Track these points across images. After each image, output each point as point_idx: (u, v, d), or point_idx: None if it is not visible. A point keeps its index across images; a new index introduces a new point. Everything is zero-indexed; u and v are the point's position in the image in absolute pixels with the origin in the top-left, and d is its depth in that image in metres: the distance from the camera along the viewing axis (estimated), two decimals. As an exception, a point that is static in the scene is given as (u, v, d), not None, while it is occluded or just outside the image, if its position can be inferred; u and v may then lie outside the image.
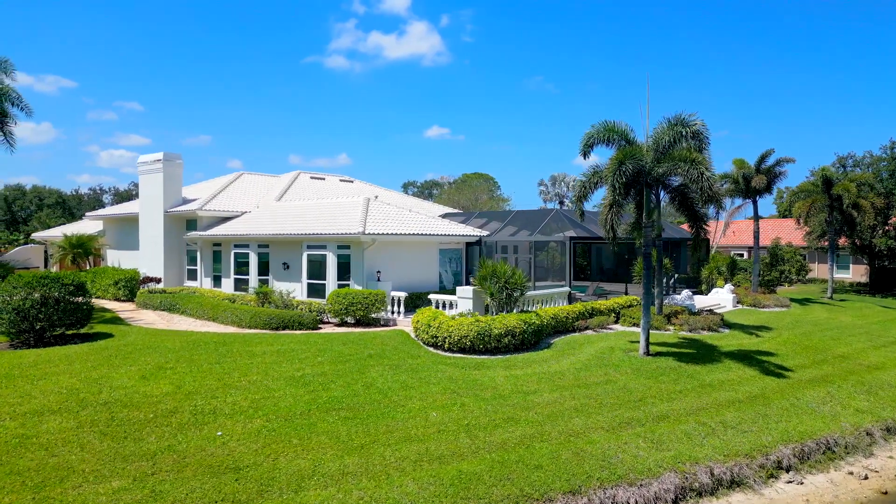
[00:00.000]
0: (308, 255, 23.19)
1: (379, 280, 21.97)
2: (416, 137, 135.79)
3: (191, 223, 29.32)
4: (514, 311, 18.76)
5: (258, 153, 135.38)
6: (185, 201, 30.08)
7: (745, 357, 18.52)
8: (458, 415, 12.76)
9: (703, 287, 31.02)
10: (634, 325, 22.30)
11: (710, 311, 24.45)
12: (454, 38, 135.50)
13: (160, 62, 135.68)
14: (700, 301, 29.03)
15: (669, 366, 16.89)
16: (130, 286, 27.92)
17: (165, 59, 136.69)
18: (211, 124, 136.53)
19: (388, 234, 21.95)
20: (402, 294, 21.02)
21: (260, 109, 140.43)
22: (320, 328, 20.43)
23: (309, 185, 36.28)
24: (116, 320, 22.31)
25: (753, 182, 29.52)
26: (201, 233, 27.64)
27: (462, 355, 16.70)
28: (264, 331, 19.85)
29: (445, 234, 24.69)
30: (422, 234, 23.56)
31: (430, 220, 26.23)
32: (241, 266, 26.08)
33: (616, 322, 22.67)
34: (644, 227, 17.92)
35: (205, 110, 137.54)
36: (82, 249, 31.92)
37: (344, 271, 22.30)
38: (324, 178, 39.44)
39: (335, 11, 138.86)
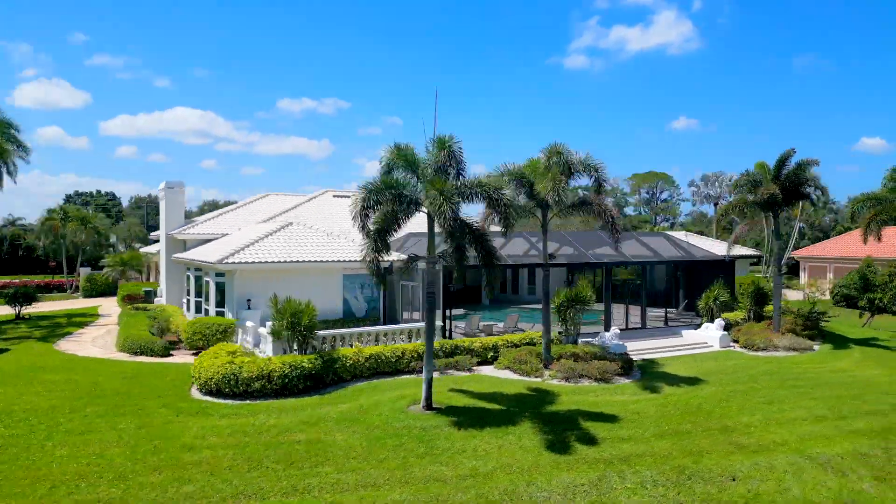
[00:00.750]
0: (206, 280, 23.89)
1: (249, 307, 21.80)
2: (659, 131, 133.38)
3: (187, 244, 31.82)
4: (308, 350, 17.32)
5: (507, 156, 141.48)
6: (186, 224, 32.76)
7: (562, 421, 14.91)
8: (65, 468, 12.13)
9: (704, 320, 25.39)
10: (508, 367, 19.19)
11: (622, 356, 19.92)
12: (707, 21, 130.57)
13: (417, 78, 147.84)
14: (690, 338, 24.00)
15: (426, 425, 14.24)
16: (130, 301, 31.28)
17: (422, 75, 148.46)
18: (462, 133, 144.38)
19: (247, 262, 21.63)
20: (250, 324, 20.51)
21: (506, 114, 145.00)
22: (171, 356, 20.91)
23: (327, 205, 37.04)
24: (55, 336, 25.28)
25: (761, 191, 23.34)
26: (179, 255, 29.85)
27: (212, 399, 15.83)
28: (124, 355, 20.92)
29: (343, 261, 23.69)
30: (304, 262, 22.82)
31: (345, 245, 25.26)
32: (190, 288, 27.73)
33: (489, 363, 19.74)
34: (428, 262, 15.41)
35: (457, 120, 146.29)
36: (126, 266, 36.57)
37: (222, 298, 22.54)
38: (349, 196, 39.93)
39: (578, 8, 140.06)
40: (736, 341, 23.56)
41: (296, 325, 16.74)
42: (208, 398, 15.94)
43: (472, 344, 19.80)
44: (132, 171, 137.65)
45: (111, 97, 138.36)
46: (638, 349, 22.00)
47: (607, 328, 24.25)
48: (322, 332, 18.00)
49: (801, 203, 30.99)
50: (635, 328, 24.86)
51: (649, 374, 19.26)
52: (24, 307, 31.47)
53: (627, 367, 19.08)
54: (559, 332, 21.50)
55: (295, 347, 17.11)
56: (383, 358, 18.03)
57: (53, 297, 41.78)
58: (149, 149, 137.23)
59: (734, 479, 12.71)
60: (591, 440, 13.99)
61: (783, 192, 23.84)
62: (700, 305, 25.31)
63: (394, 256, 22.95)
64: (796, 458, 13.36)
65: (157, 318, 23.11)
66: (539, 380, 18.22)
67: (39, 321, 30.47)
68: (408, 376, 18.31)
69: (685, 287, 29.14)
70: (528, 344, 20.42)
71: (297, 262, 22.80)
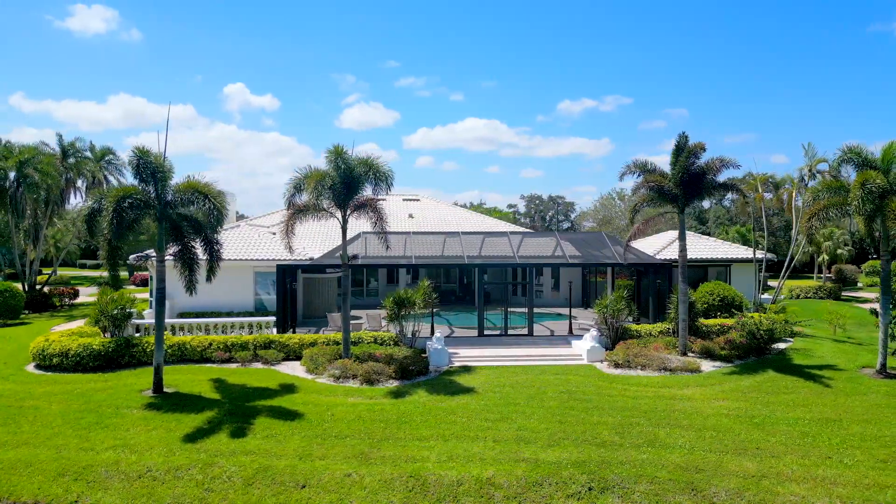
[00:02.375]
0: (150, 275, 28.23)
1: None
2: None
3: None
4: (122, 334, 20.21)
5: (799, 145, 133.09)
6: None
7: (248, 415, 15.71)
8: None
9: (604, 328, 22.48)
10: (304, 365, 19.79)
11: (409, 359, 19.14)
12: None
13: (705, 69, 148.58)
14: (567, 349, 21.90)
15: (128, 405, 16.16)
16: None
17: (709, 65, 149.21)
18: (754, 121, 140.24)
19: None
20: (147, 311, 23.96)
21: (813, 96, 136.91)
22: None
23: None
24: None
25: (641, 183, 20.05)
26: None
27: (30, 370, 19.62)
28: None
29: (254, 259, 26.03)
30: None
31: (271, 245, 27.55)
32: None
33: (294, 359, 20.56)
34: (158, 261, 17.26)
35: (747, 108, 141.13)
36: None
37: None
38: (384, 199, 42.03)
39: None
40: (616, 361, 20.60)
41: (105, 314, 19.79)
42: (29, 368, 19.75)
43: (290, 340, 20.87)
44: (430, 179, 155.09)
45: (414, 114, 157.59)
46: (481, 356, 20.83)
47: (480, 333, 23.24)
48: (139, 321, 20.82)
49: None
50: (518, 335, 23.21)
51: (434, 381, 18.44)
52: (111, 293, 39.92)
53: (412, 370, 18.55)
54: (397, 334, 21.47)
55: (107, 332, 20.18)
56: (188, 347, 20.16)
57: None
58: (443, 158, 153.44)
59: (303, 487, 12.60)
60: (238, 432, 14.65)
61: (682, 185, 20.34)
62: (594, 312, 22.61)
63: (299, 256, 24.93)
64: (398, 477, 12.66)
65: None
66: (312, 377, 18.75)
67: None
68: (210, 364, 20.20)
69: (645, 291, 25.97)
70: (336, 343, 20.71)
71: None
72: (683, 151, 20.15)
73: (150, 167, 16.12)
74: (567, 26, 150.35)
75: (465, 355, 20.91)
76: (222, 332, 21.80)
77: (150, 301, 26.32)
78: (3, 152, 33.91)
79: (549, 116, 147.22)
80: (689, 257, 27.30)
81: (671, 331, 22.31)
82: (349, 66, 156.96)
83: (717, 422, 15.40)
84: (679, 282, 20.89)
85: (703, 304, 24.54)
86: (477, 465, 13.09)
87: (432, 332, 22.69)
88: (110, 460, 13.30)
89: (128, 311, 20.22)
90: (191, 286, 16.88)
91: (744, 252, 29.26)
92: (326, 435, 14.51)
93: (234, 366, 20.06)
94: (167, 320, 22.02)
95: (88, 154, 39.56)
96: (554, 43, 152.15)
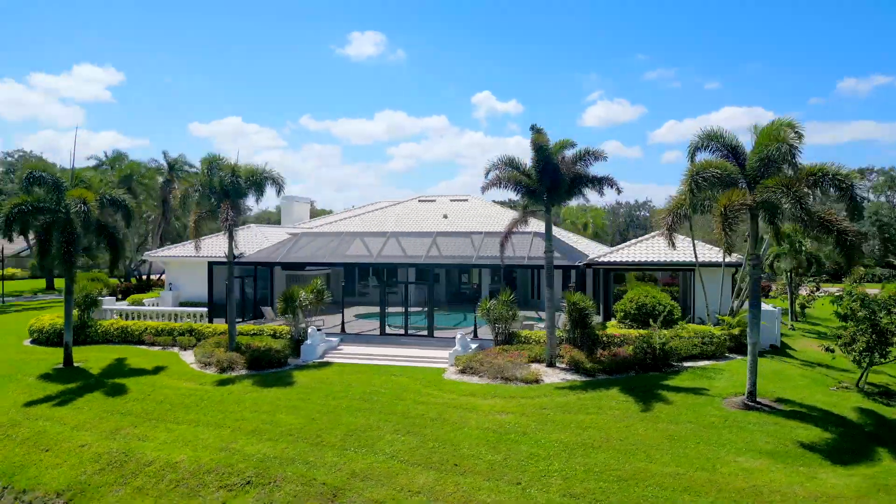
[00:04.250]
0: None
1: (171, 290, 29.89)
2: None
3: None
4: (92, 316, 24.73)
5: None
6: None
7: (91, 388, 18.70)
8: None
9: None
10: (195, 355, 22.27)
11: (264, 350, 20.30)
12: None
13: None
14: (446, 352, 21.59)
15: (32, 374, 20.24)
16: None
17: None
18: None
19: (159, 255, 29.69)
20: (150, 300, 28.50)
21: None
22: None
23: (405, 209, 41.66)
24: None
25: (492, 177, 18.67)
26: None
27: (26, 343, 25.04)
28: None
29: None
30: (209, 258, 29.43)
31: (265, 245, 30.51)
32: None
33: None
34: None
35: None
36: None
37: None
38: (434, 200, 42.92)
39: None
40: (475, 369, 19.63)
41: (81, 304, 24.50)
42: (26, 342, 25.16)
43: (206, 329, 23.62)
44: (675, 175, 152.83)
45: (662, 107, 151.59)
46: (359, 353, 21.57)
47: (382, 332, 23.73)
48: (116, 306, 25.22)
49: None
50: (419, 335, 23.16)
51: (279, 374, 19.58)
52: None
53: (262, 362, 20.12)
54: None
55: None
56: (129, 330, 24.02)
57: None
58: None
59: (47, 451, 15.16)
60: (62, 402, 17.69)
61: (543, 181, 18.79)
62: (477, 316, 21.55)
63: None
64: (110, 452, 14.82)
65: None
66: (191, 362, 21.21)
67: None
68: (140, 346, 23.72)
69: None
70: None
71: (198, 257, 29.91)
72: (540, 147, 18.62)
73: (43, 180, 20.02)
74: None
75: (347, 351, 21.79)
76: (170, 320, 25.36)
77: (160, 291, 31.23)
78: (109, 163, 42.27)
79: (826, 98, 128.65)
80: (648, 260, 24.50)
81: (564, 339, 20.57)
82: (593, 64, 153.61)
83: (458, 434, 14.58)
84: (544, 286, 19.32)
85: (620, 311, 21.97)
86: (182, 449, 14.38)
87: (342, 329, 23.87)
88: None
89: (92, 297, 24.76)
90: (69, 276, 20.40)
91: (713, 255, 24.27)
92: (116, 411, 16.81)
93: (156, 349, 23.39)
94: (132, 308, 26.37)
95: (196, 166, 46.96)
96: (835, 11, 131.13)
